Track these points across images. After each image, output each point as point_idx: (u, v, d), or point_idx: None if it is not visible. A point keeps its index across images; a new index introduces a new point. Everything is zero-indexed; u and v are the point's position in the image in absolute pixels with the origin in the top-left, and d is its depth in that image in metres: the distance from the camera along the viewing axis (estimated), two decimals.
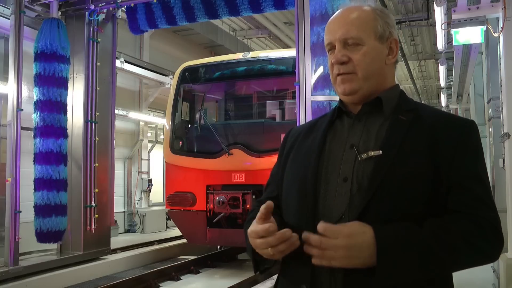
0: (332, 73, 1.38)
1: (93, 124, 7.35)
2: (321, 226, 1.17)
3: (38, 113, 6.68)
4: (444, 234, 1.18)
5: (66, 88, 6.96)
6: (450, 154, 1.25)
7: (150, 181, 12.78)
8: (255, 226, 1.27)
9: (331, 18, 1.40)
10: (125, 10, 7.72)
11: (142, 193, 12.62)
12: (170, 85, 9.33)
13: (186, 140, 8.18)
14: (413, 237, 1.17)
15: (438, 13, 7.38)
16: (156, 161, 13.40)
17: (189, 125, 8.39)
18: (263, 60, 7.79)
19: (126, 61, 10.50)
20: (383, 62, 1.36)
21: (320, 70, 5.48)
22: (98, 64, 7.49)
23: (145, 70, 11.48)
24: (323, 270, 1.23)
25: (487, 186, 1.29)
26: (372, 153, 1.26)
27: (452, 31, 6.38)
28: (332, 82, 1.40)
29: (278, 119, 7.79)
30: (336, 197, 1.28)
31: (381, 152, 1.25)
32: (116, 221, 10.72)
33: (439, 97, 20.64)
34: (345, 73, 1.33)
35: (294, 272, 1.31)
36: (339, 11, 1.40)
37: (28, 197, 6.81)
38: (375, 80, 1.35)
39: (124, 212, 12.35)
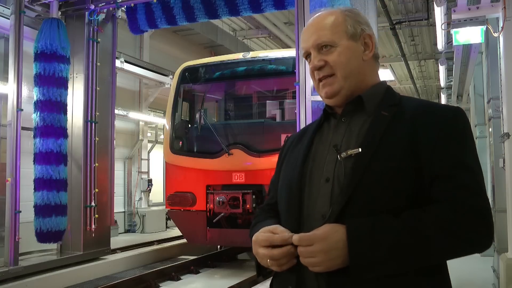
0: (314, 79, 1.41)
1: (93, 124, 7.35)
2: (295, 238, 1.21)
3: (38, 113, 6.68)
4: (418, 224, 1.16)
5: (66, 88, 6.96)
6: (432, 144, 1.23)
7: (150, 181, 12.78)
8: (268, 235, 1.28)
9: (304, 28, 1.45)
10: (125, 10, 7.72)
11: (142, 193, 12.62)
12: (170, 85, 9.33)
13: (186, 140, 8.18)
14: (386, 229, 1.16)
15: (438, 13, 7.37)
16: (156, 161, 13.39)
17: (189, 125, 8.39)
18: (263, 60, 7.78)
19: (126, 61, 10.49)
20: (360, 59, 1.38)
21: None
22: (98, 64, 7.49)
23: (145, 70, 11.48)
24: (308, 272, 1.24)
25: (475, 173, 1.23)
26: (350, 152, 1.27)
27: (452, 31, 6.37)
28: (316, 88, 1.42)
29: (278, 119, 7.80)
30: (318, 198, 1.30)
31: (360, 150, 1.26)
32: (116, 221, 10.72)
33: (439, 97, 20.63)
34: (324, 77, 1.36)
35: (283, 275, 1.34)
36: (310, 19, 1.43)
37: (28, 197, 6.81)
38: (354, 78, 1.36)
39: (124, 212, 12.35)
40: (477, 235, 1.19)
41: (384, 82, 1.43)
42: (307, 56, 1.41)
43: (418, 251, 1.16)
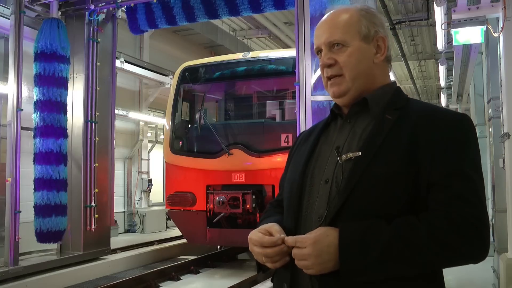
0: (323, 76, 1.40)
1: (93, 124, 7.35)
2: (291, 240, 1.23)
3: (38, 113, 6.68)
4: (410, 233, 1.15)
5: (66, 88, 6.96)
6: (431, 151, 1.21)
7: (150, 181, 12.78)
8: (261, 237, 1.30)
9: (318, 23, 1.43)
10: (125, 10, 7.72)
11: (142, 193, 12.62)
12: (170, 85, 9.32)
13: (186, 140, 8.18)
14: (377, 235, 1.16)
15: (438, 13, 7.37)
16: (156, 161, 13.40)
17: (189, 125, 8.39)
18: (263, 60, 7.78)
19: (126, 61, 10.50)
20: (371, 61, 1.36)
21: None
22: (98, 64, 7.49)
23: (145, 70, 11.48)
24: (302, 271, 1.25)
25: (474, 182, 1.20)
26: (350, 155, 1.27)
27: (452, 31, 6.37)
28: (324, 86, 1.42)
29: (278, 119, 7.79)
30: (317, 199, 1.30)
31: (359, 153, 1.26)
32: (116, 221, 10.72)
33: (439, 97, 20.63)
34: (333, 76, 1.36)
35: (280, 272, 1.36)
36: (325, 15, 1.41)
37: (28, 197, 6.81)
38: (363, 80, 1.35)
39: (124, 212, 12.35)
40: (469, 247, 1.17)
41: (394, 83, 1.41)
42: (318, 52, 1.40)
43: (409, 260, 1.15)
